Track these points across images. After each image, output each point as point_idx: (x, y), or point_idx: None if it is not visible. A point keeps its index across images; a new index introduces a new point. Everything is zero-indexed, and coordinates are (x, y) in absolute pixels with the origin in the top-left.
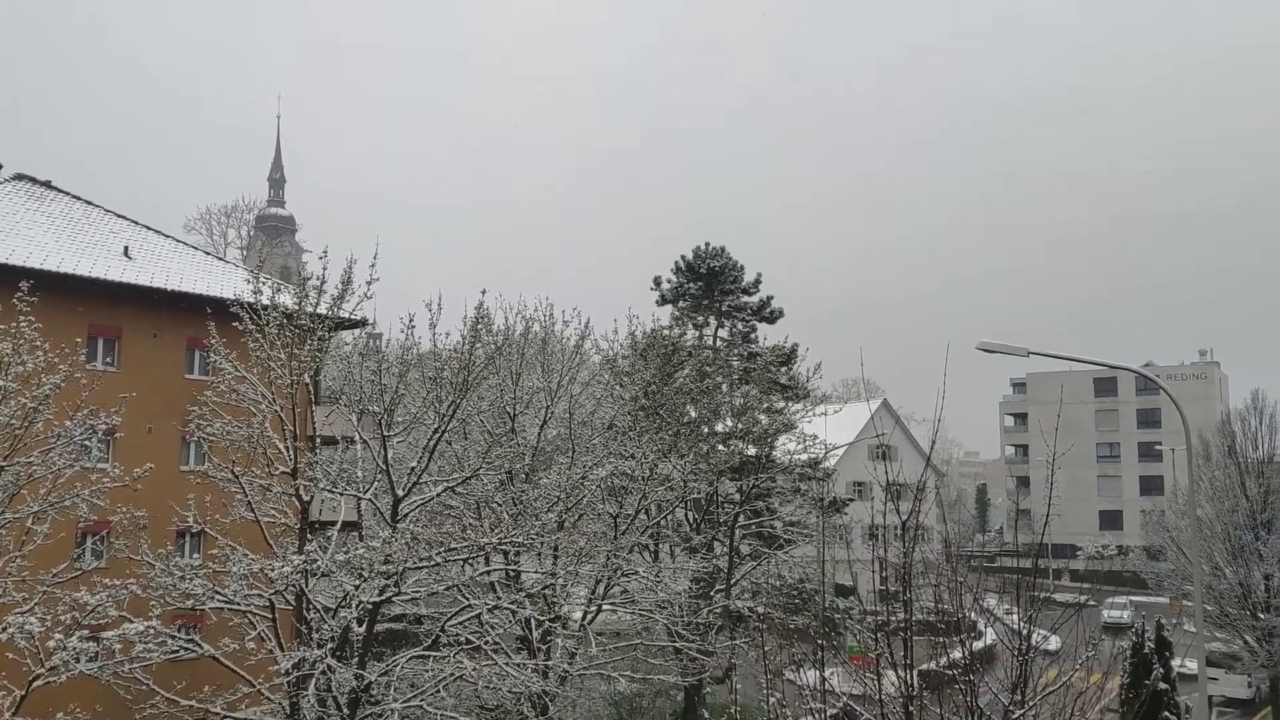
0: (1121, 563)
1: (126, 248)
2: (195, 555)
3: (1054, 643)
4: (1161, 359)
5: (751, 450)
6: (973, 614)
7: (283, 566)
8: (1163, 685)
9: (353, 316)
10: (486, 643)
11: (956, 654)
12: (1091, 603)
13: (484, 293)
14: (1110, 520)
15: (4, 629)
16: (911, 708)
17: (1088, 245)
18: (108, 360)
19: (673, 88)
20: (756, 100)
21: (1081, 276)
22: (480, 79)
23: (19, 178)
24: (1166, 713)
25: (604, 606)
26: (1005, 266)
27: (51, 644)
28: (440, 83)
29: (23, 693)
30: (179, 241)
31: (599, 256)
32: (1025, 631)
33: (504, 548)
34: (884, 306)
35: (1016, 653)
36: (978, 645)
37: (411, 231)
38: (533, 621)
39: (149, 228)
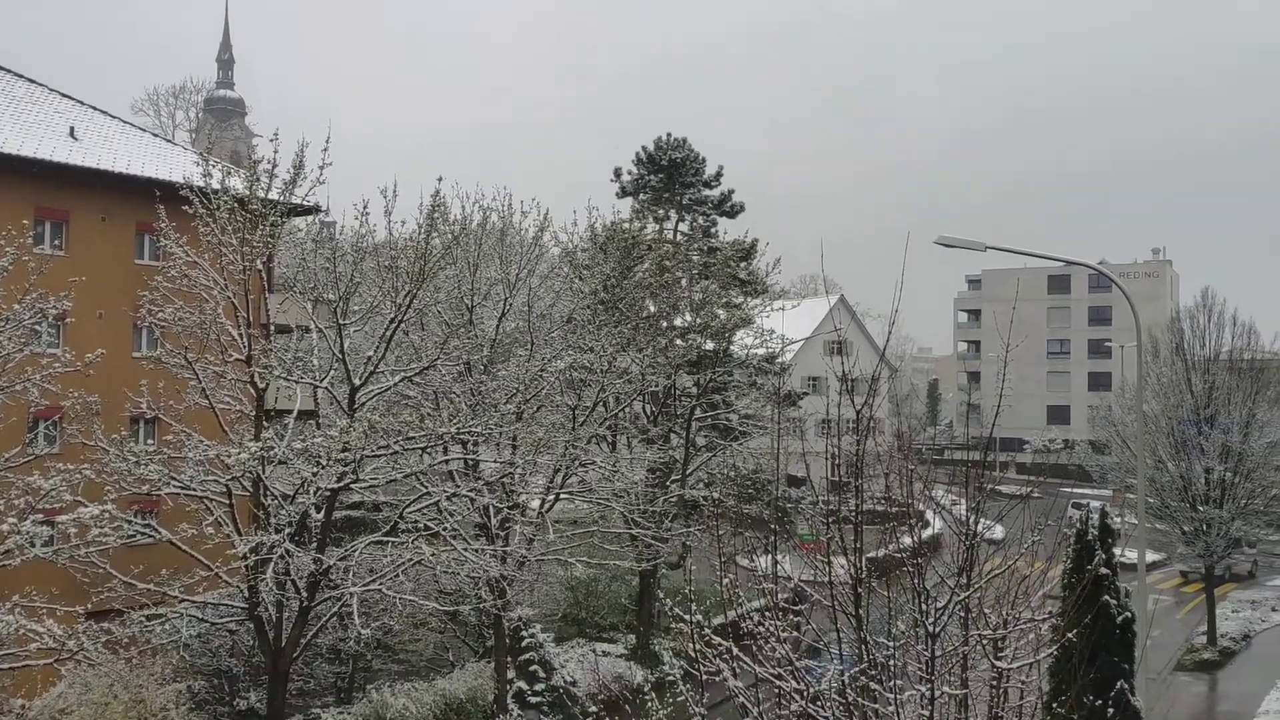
0: (1068, 456)
1: (72, 128)
2: (150, 441)
3: (999, 533)
4: (1115, 259)
5: (709, 345)
6: (921, 503)
7: (239, 453)
8: (1104, 570)
9: (305, 202)
10: (445, 529)
11: (905, 541)
12: (1036, 494)
13: (440, 180)
14: (1058, 415)
15: None
16: (860, 589)
17: (1039, 140)
18: (55, 243)
19: None
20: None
21: (1035, 171)
22: None
23: None
24: (1107, 596)
25: (562, 496)
26: (958, 157)
27: (5, 528)
28: None
29: None
30: (126, 123)
31: (560, 147)
32: (971, 519)
33: (462, 438)
34: (843, 204)
35: (963, 538)
36: (925, 534)
37: (365, 116)
38: (491, 509)
39: (95, 108)
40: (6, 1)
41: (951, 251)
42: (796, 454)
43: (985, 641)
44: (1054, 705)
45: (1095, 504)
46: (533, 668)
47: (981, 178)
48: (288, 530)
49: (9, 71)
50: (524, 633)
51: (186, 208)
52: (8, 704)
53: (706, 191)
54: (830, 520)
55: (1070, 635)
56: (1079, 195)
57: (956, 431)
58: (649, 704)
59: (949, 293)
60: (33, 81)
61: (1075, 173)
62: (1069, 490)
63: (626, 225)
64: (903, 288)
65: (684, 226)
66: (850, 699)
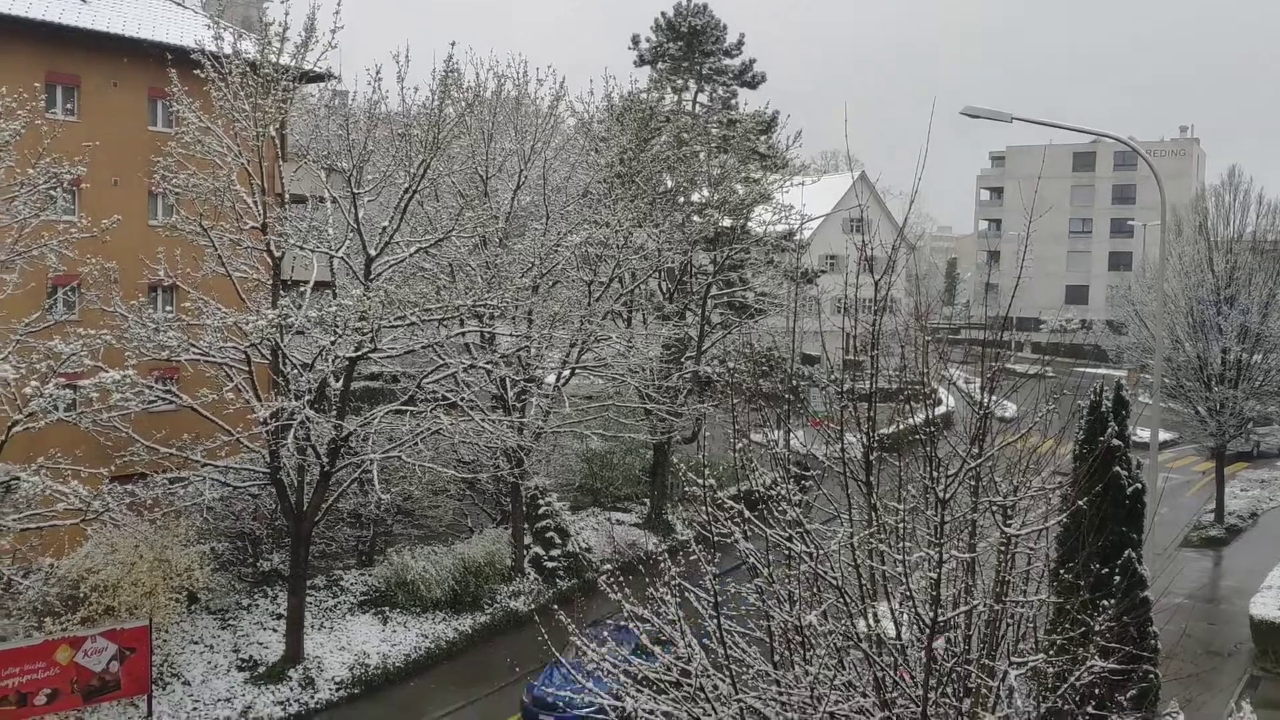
0: (1084, 336)
1: None
2: (168, 309)
3: (1011, 410)
4: (1143, 138)
5: (727, 221)
6: (936, 380)
7: (257, 320)
8: (1116, 442)
9: (317, 68)
10: (463, 400)
11: (918, 417)
12: (1050, 373)
13: (453, 45)
14: (1076, 295)
15: None
16: (871, 457)
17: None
18: (68, 108)
19: None
20: None
21: (1060, 49)
22: None
23: None
24: (1118, 467)
25: (577, 370)
26: (987, 30)
27: (28, 391)
28: None
29: (3, 437)
30: None
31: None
32: (985, 392)
33: (479, 310)
34: (868, 76)
35: (976, 410)
36: (938, 411)
37: None
38: (508, 382)
39: None
40: None
41: (976, 131)
42: (813, 332)
43: (995, 508)
44: (1061, 571)
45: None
46: (549, 534)
47: (1009, 53)
48: (307, 397)
49: None
50: (540, 501)
51: (198, 72)
52: (37, 562)
53: (727, 61)
54: (845, 396)
55: (1080, 503)
56: (1108, 72)
57: (974, 311)
58: (662, 566)
59: (972, 171)
60: None
61: (1102, 46)
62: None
63: (644, 95)
64: (925, 161)
65: (703, 97)
66: (859, 561)
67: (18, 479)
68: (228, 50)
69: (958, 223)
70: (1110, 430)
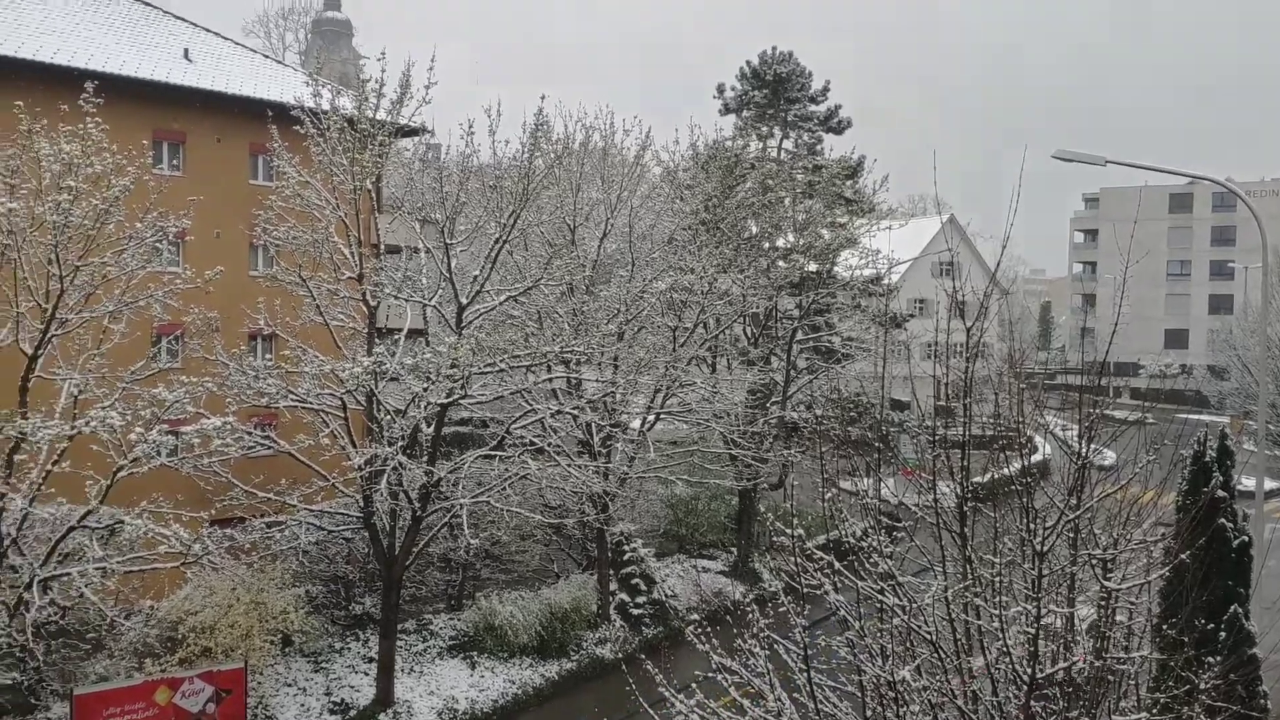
0: (1185, 381)
1: (187, 50)
2: (267, 357)
3: (1110, 458)
4: (1241, 178)
5: (812, 266)
6: (1030, 426)
7: (353, 367)
8: (1221, 492)
9: (411, 123)
10: (549, 445)
11: (1013, 465)
12: (1151, 420)
13: (543, 98)
14: (1176, 339)
15: (87, 422)
16: (965, 507)
17: (1162, 52)
18: (174, 164)
19: None
20: None
21: (1157, 91)
22: None
23: None
24: (1223, 519)
25: (662, 416)
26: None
27: (133, 437)
28: None
29: (108, 482)
30: (238, 44)
31: (665, 66)
32: (1083, 440)
33: (565, 357)
34: (957, 122)
35: (1073, 459)
36: (1034, 459)
37: (469, 36)
38: (593, 427)
39: (207, 30)
40: None
41: (1069, 172)
42: (902, 377)
43: (1094, 562)
44: (1164, 627)
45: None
46: (634, 581)
47: (1101, 93)
48: (400, 443)
49: None
50: (626, 547)
51: (298, 128)
52: (138, 604)
53: (812, 107)
54: (936, 443)
55: (1183, 557)
56: (1205, 112)
57: (1069, 356)
58: (750, 616)
59: (1065, 213)
60: (147, 4)
61: (1201, 87)
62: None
63: (729, 143)
64: (1017, 205)
65: (788, 144)
66: (953, 615)
67: (122, 522)
68: (326, 107)
69: (1051, 265)
70: (1215, 480)
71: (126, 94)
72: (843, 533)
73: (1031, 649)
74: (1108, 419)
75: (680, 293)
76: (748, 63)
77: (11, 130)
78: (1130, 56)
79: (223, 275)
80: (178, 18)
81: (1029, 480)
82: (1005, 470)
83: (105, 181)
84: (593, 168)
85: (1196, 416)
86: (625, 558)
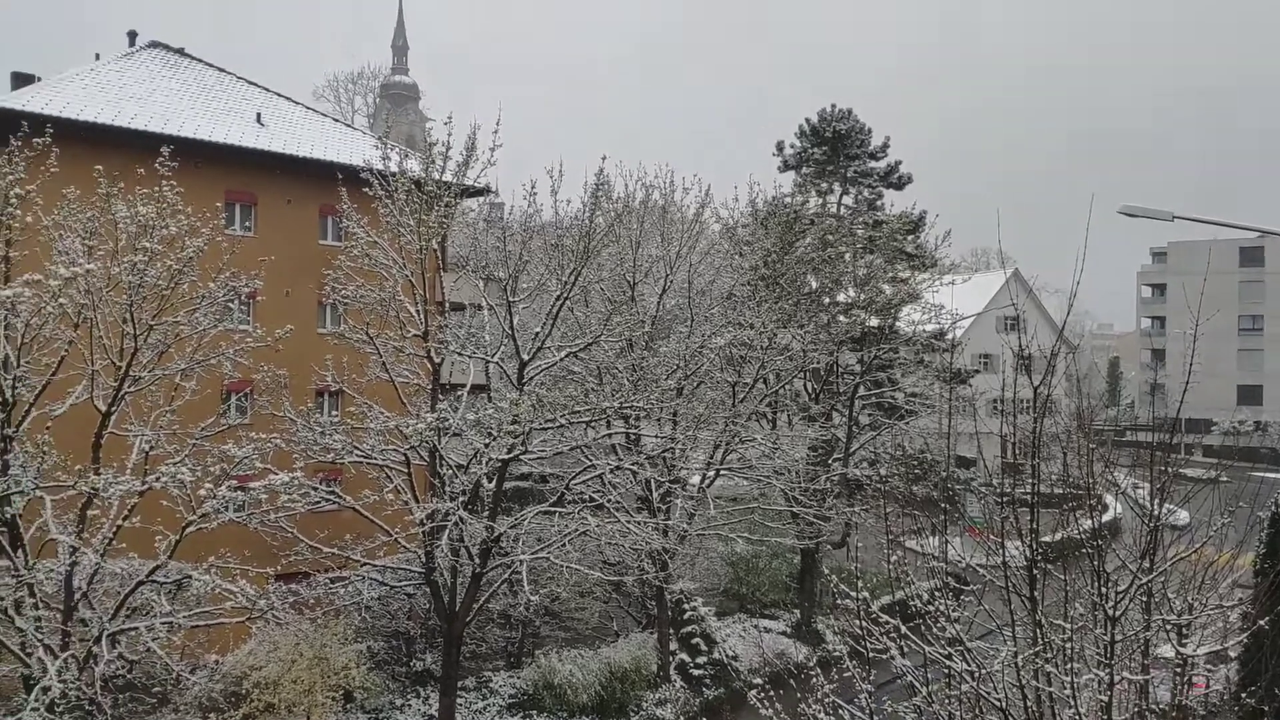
0: (1259, 438)
1: (259, 115)
2: (334, 413)
3: (1183, 518)
4: None
5: (874, 321)
6: (1101, 485)
7: (417, 424)
8: None
9: (477, 184)
10: (609, 501)
11: (1083, 524)
12: (1225, 479)
13: (604, 159)
14: (1249, 395)
15: (158, 478)
16: (1035, 570)
17: (1229, 105)
18: (245, 225)
19: None
20: None
21: (1223, 140)
22: None
23: (154, 45)
24: None
25: (722, 472)
26: (1143, 128)
27: (202, 493)
28: None
29: (177, 537)
30: (308, 109)
31: (724, 124)
32: (1155, 501)
33: (625, 412)
34: (1020, 172)
35: (1146, 520)
36: (1104, 518)
37: (534, 96)
38: (653, 483)
39: (279, 95)
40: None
41: (1135, 223)
42: (967, 434)
43: (1168, 627)
44: (1243, 696)
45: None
46: (695, 640)
47: (1168, 146)
48: (462, 499)
49: (200, 61)
50: (686, 606)
51: (366, 190)
52: (204, 659)
53: (872, 163)
54: (1004, 502)
55: (1261, 623)
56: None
57: (1139, 412)
58: (814, 680)
59: (1132, 266)
60: (222, 70)
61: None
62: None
63: (788, 200)
64: (1084, 261)
65: (848, 200)
66: (1024, 681)
67: (190, 577)
68: (394, 169)
69: (1119, 319)
70: None
71: (201, 157)
72: (909, 595)
73: (1105, 717)
74: (1180, 477)
75: (739, 348)
76: (807, 120)
77: (91, 193)
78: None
79: (292, 333)
80: (251, 83)
81: (1100, 542)
82: (1075, 530)
83: (179, 243)
84: (652, 225)
85: (1273, 475)
86: (685, 616)
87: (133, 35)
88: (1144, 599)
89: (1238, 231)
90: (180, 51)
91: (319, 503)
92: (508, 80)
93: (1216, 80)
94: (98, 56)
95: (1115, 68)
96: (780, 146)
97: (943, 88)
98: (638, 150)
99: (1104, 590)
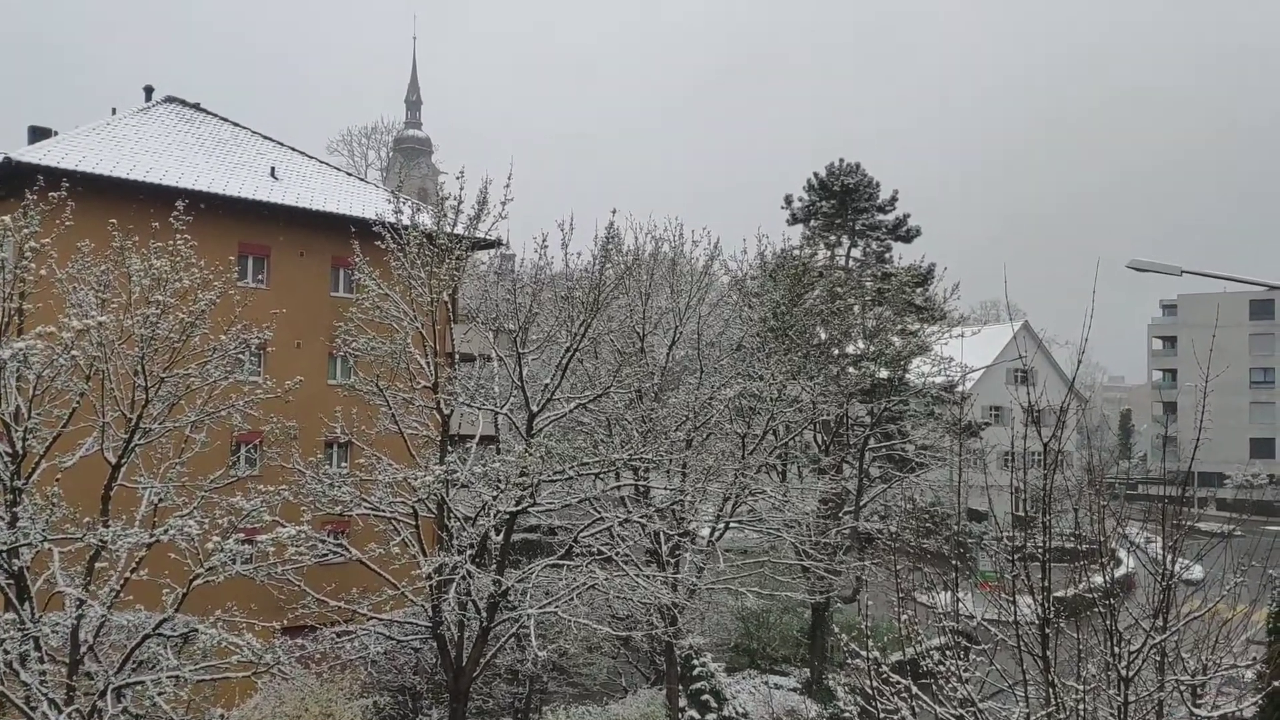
0: (1273, 492)
1: (273, 168)
2: (343, 465)
3: (1197, 572)
4: None
5: (884, 373)
6: (1114, 540)
7: (425, 476)
8: None
9: (488, 237)
10: (617, 554)
11: (1096, 580)
12: (1239, 533)
13: (614, 213)
14: (1262, 448)
15: (166, 531)
16: (1048, 629)
17: (1241, 155)
18: (258, 278)
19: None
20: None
21: (1236, 191)
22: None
23: (170, 100)
24: None
25: (732, 525)
26: (1149, 178)
27: (210, 546)
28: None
29: (184, 590)
30: (322, 163)
31: (731, 177)
32: (1168, 558)
33: (634, 464)
34: (1027, 225)
35: (1159, 578)
36: (1117, 573)
37: (544, 149)
38: (662, 536)
39: (294, 149)
40: (216, 55)
41: (1145, 276)
42: (978, 487)
43: (1183, 688)
44: None
45: None
46: (704, 697)
47: (1181, 197)
48: (469, 552)
49: (216, 116)
50: (695, 661)
51: (379, 243)
52: (209, 713)
53: (880, 216)
54: (1015, 557)
55: (1277, 684)
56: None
57: (1151, 465)
58: None
59: (1142, 319)
60: (237, 125)
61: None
62: (1275, 529)
63: (797, 252)
64: (1093, 314)
65: (856, 252)
66: None
67: (196, 630)
68: (406, 222)
69: (1130, 372)
70: None
71: (215, 210)
72: (919, 653)
73: None
74: (1194, 531)
75: (749, 399)
76: (815, 174)
77: (105, 246)
78: (1201, 162)
79: (301, 385)
80: (265, 137)
81: (1112, 603)
82: (1087, 585)
83: (192, 296)
84: (662, 277)
85: None
86: (695, 673)
87: (149, 90)
88: (1158, 659)
89: (1249, 285)
90: (196, 106)
91: (326, 555)
92: (521, 134)
93: (1225, 126)
94: (114, 111)
95: (1125, 114)
96: (789, 200)
97: (952, 137)
98: (648, 202)
99: (1117, 650)
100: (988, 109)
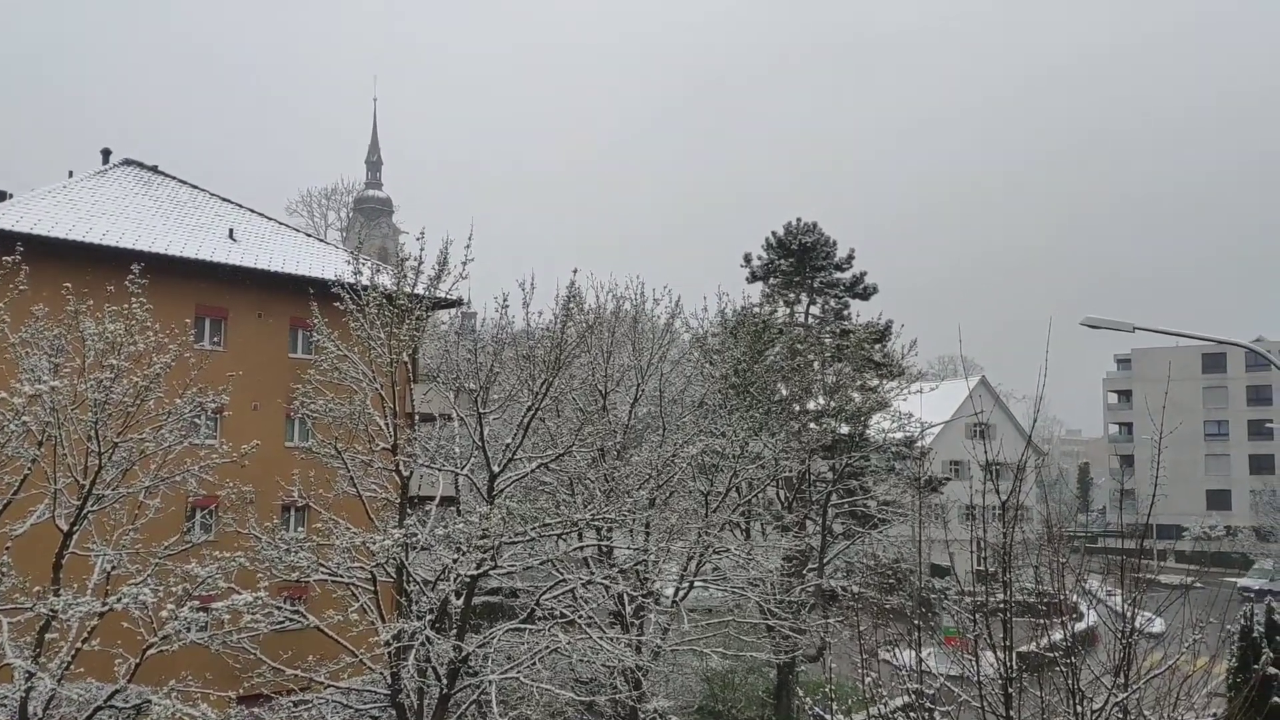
0: (1230, 544)
1: (231, 230)
2: (300, 529)
3: (1158, 626)
4: (1273, 334)
5: (844, 428)
6: (1074, 595)
7: (384, 540)
8: (1272, 670)
9: (449, 296)
10: (580, 617)
11: (1057, 636)
12: (1198, 584)
13: (575, 271)
14: (1218, 500)
15: (119, 599)
16: (1011, 689)
17: (1189, 209)
18: (215, 340)
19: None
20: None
21: (1185, 243)
22: (571, 57)
23: (128, 163)
24: (1277, 698)
25: (696, 583)
26: (1104, 232)
27: (164, 614)
28: (532, 68)
29: (137, 660)
30: (281, 224)
31: (694, 233)
32: (1129, 613)
33: (597, 524)
34: (982, 281)
35: (1119, 635)
36: (1078, 627)
37: (504, 205)
38: (626, 597)
39: (253, 210)
40: (174, 116)
41: (1099, 330)
42: (939, 542)
43: None
44: None
45: (1257, 583)
46: None
47: (1130, 253)
48: (429, 617)
49: (174, 178)
50: None
51: (338, 304)
52: None
53: (838, 275)
54: (977, 613)
55: None
56: (1235, 268)
57: (1110, 518)
58: None
59: (1097, 372)
60: (195, 187)
61: (1231, 244)
62: (1233, 580)
63: (757, 310)
64: (1047, 370)
65: (815, 309)
66: None
67: (149, 701)
68: (366, 283)
69: (1086, 425)
70: (1265, 658)
71: (172, 272)
72: (884, 715)
73: None
74: (1154, 585)
75: (712, 456)
76: (773, 233)
77: (59, 310)
78: (1158, 218)
79: (259, 448)
80: (224, 199)
81: (1074, 660)
82: (1049, 642)
83: (147, 359)
84: (624, 334)
85: (1245, 581)
86: None
87: (106, 153)
88: (1120, 716)
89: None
90: (154, 169)
91: (283, 622)
92: (480, 189)
93: (1181, 185)
94: (71, 174)
95: (1083, 170)
96: (748, 258)
97: (908, 197)
98: (612, 257)
99: (1080, 709)
100: (939, 161)
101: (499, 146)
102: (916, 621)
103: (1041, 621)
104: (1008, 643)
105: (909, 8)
